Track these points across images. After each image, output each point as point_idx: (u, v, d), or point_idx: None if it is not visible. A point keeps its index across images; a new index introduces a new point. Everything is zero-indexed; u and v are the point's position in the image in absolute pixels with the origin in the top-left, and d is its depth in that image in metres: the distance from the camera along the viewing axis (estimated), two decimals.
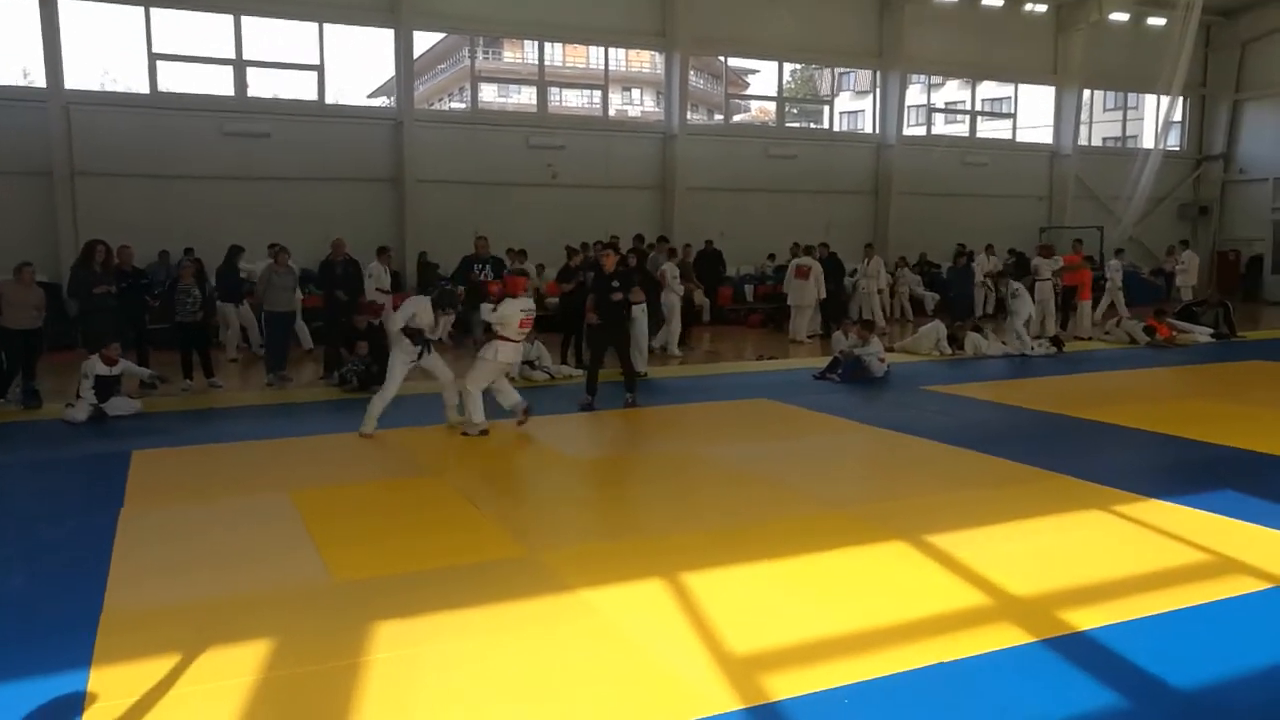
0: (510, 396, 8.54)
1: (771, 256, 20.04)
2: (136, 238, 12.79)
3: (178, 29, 16.87)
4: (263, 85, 18.19)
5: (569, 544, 5.40)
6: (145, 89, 16.56)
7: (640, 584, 4.73)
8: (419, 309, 8.33)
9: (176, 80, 17.47)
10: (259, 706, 3.53)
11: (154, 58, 16.39)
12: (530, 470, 7.22)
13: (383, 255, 14.36)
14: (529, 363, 11.70)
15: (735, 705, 3.49)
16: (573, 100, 27.06)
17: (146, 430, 8.74)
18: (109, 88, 20.43)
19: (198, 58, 17.29)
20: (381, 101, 19.15)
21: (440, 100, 32.83)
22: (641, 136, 20.64)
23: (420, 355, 8.42)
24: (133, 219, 15.21)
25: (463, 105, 19.67)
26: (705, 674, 3.75)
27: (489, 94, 22.47)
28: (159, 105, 16.43)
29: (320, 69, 17.38)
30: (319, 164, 17.34)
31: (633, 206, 19.56)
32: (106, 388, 9.31)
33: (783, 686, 3.62)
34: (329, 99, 17.81)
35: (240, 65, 16.90)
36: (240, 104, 17.01)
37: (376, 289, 14.10)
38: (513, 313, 8.38)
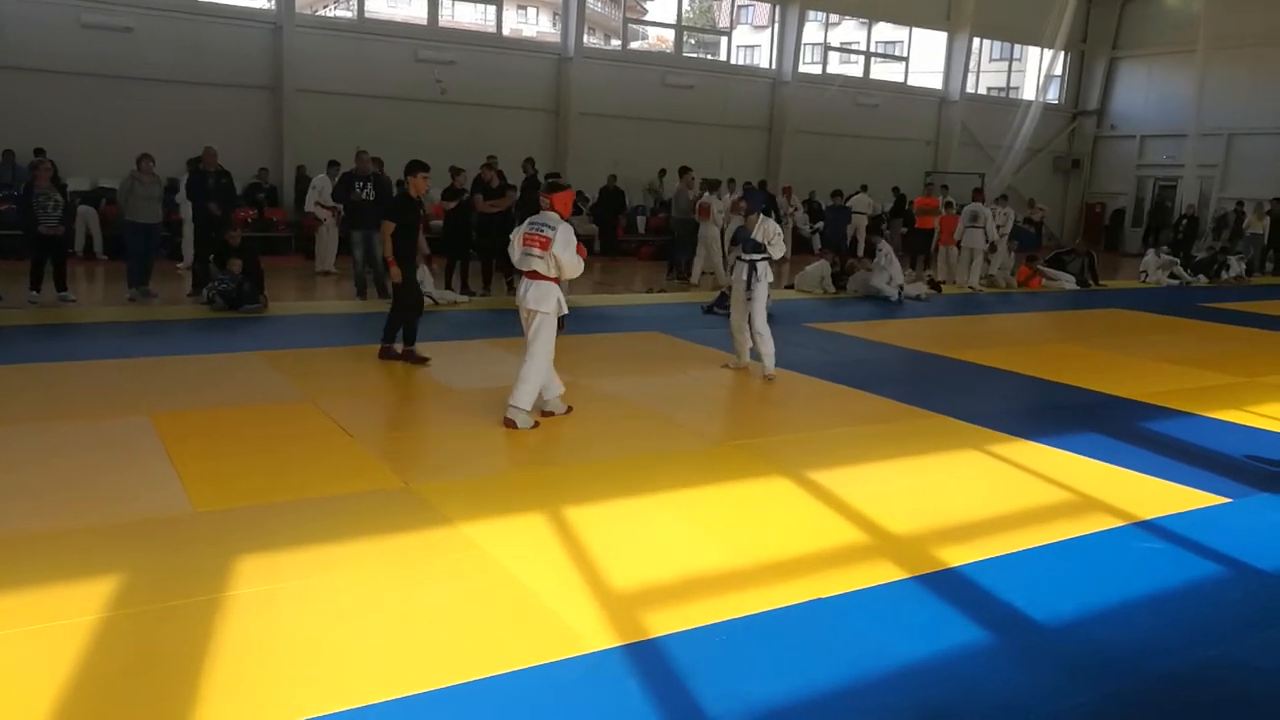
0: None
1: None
2: None
3: None
4: None
5: (448, 476, 5.25)
6: None
7: (521, 517, 4.63)
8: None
9: None
10: (106, 646, 3.29)
11: None
12: (410, 399, 6.98)
13: (332, 169, 13.84)
14: None
15: (613, 642, 3.44)
16: (465, 15, 25.97)
17: None
18: None
19: None
20: (261, 4, 17.87)
21: (325, 7, 31.02)
22: (536, 57, 20.02)
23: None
24: None
25: (349, 14, 18.56)
26: (584, 610, 3.69)
27: (377, 3, 21.26)
28: None
29: None
30: (189, 66, 16.18)
31: (525, 129, 19.02)
32: None
33: (662, 623, 3.59)
34: None
35: None
36: None
37: (317, 202, 13.83)
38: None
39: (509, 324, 8.48)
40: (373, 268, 11.60)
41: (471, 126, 18.18)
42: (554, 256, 6.06)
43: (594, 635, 3.49)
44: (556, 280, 6.21)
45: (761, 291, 7.87)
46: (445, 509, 4.66)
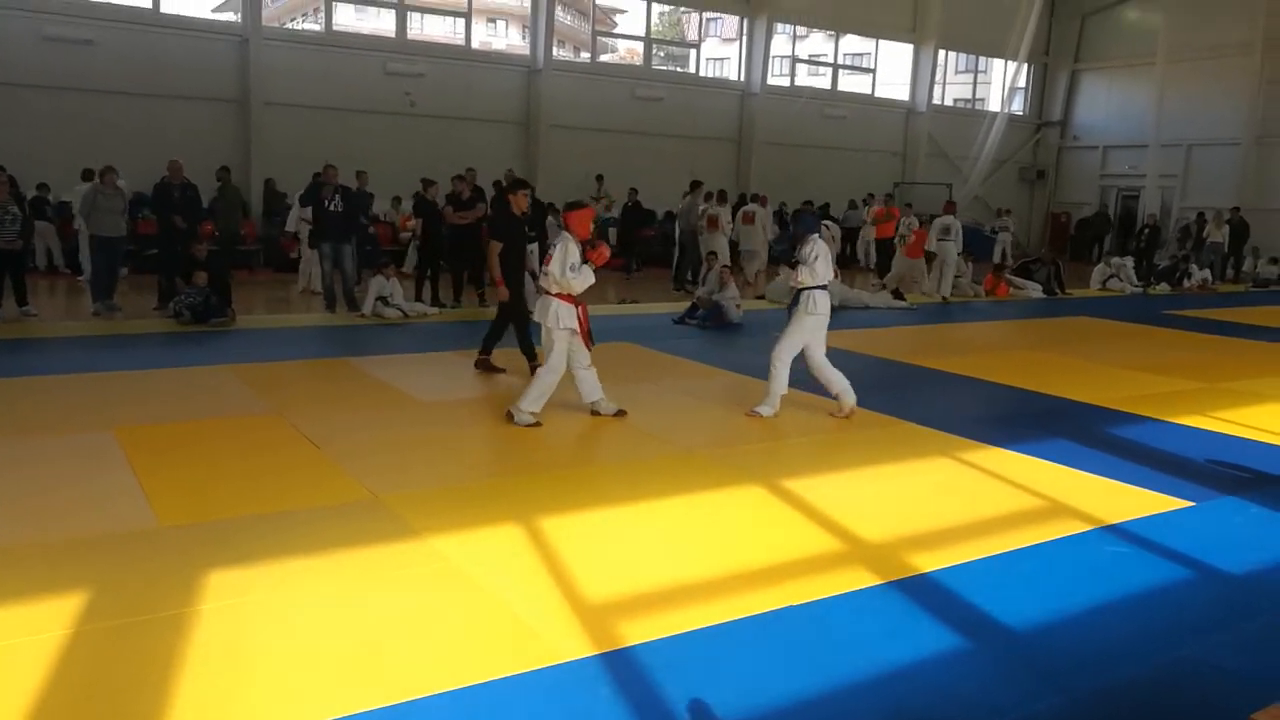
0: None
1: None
2: None
3: None
4: None
5: (416, 487, 5.20)
6: None
7: (491, 528, 4.60)
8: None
9: None
10: (72, 663, 3.23)
11: None
12: (378, 412, 6.92)
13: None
14: (382, 299, 11.27)
15: (586, 652, 3.43)
16: (434, 28, 25.93)
17: None
18: None
19: None
20: (227, 16, 17.76)
21: (292, 20, 30.83)
22: (505, 69, 20.04)
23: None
24: None
25: (316, 26, 18.47)
26: (557, 620, 3.67)
27: (345, 16, 21.18)
28: None
29: None
30: (153, 79, 16.05)
31: (495, 141, 19.04)
32: None
33: (634, 632, 3.58)
34: (165, 8, 16.42)
35: None
36: (60, 5, 15.44)
37: (301, 219, 13.46)
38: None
39: (479, 336, 8.48)
40: (342, 280, 11.52)
41: (441, 139, 18.16)
42: (551, 273, 6.39)
43: (566, 645, 3.47)
44: (564, 297, 6.42)
45: (799, 326, 6.86)
46: (414, 521, 4.62)
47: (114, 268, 11.02)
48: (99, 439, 5.85)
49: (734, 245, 16.02)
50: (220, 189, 14.63)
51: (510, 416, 6.57)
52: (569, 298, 6.45)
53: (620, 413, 6.84)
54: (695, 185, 15.84)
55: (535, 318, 6.61)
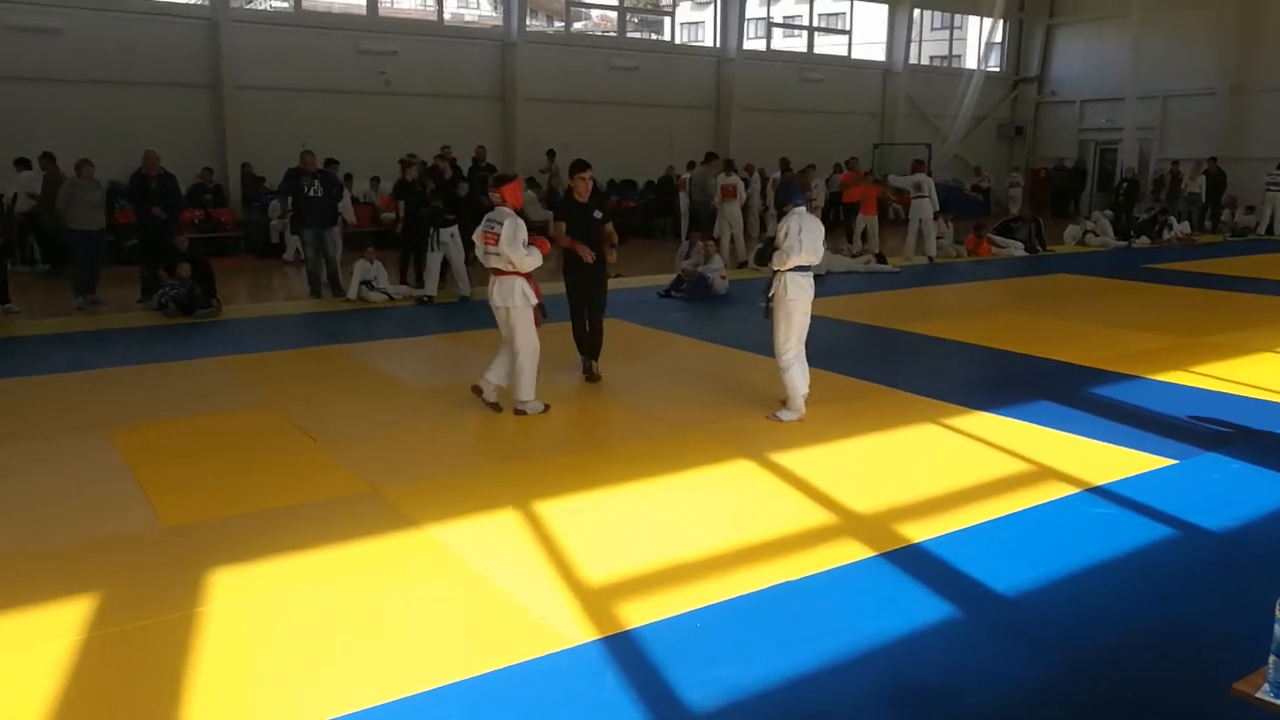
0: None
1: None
2: None
3: None
4: None
5: (413, 477, 5.26)
6: None
7: (489, 516, 4.67)
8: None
9: None
10: (82, 670, 3.29)
11: None
12: (371, 401, 6.95)
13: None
14: (366, 283, 11.25)
15: (589, 636, 3.51)
16: (406, 3, 25.61)
17: None
18: None
19: None
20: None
21: (261, 0, 30.31)
22: (479, 43, 19.84)
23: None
24: None
25: (286, 5, 18.22)
26: (558, 606, 3.75)
27: None
28: None
29: None
30: (123, 66, 15.79)
31: (472, 117, 18.89)
32: None
33: (636, 614, 3.67)
34: None
35: None
36: None
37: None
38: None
39: (464, 318, 8.50)
40: (327, 265, 11.48)
41: (418, 117, 18.02)
42: (502, 253, 6.20)
43: (569, 631, 3.55)
44: (525, 275, 6.29)
45: (785, 312, 6.29)
46: (412, 511, 4.68)
47: (95, 262, 10.95)
48: (94, 440, 5.87)
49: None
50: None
51: (522, 414, 6.43)
52: (529, 276, 6.30)
53: (496, 406, 6.50)
54: (710, 156, 16.16)
55: (497, 301, 6.32)
